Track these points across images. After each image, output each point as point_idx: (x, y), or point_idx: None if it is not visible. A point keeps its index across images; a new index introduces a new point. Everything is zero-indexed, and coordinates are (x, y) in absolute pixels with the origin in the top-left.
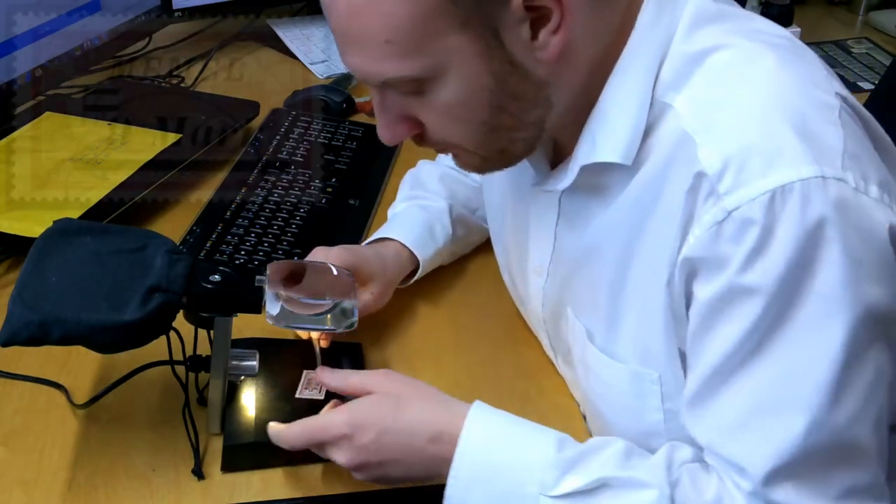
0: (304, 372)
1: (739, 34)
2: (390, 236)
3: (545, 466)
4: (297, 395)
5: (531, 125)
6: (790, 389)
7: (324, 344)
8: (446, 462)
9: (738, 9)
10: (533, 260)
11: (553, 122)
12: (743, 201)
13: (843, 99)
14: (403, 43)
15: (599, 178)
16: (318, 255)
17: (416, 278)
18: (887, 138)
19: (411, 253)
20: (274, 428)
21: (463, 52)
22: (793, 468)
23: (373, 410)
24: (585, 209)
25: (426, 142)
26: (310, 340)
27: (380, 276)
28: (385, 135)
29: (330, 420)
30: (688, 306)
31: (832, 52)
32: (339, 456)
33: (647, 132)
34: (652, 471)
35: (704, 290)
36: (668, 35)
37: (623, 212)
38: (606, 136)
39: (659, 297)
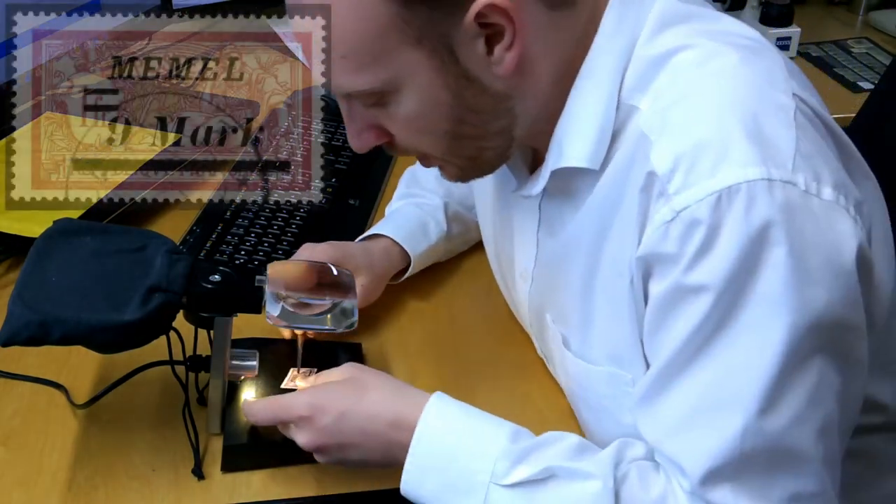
0: (292, 369)
1: (704, 35)
2: (381, 233)
3: (498, 456)
4: (281, 386)
5: (497, 135)
6: (729, 390)
7: (310, 334)
8: (404, 448)
9: (706, 9)
10: (519, 265)
11: (523, 131)
12: (690, 202)
13: (802, 100)
14: (358, 58)
15: (570, 183)
16: (305, 251)
17: (408, 275)
18: (851, 145)
19: (402, 249)
20: (246, 401)
21: (419, 66)
22: (730, 470)
23: (335, 394)
24: (561, 214)
25: (396, 150)
26: (300, 339)
27: (366, 271)
28: (353, 143)
29: (293, 400)
30: (647, 306)
31: (832, 52)
32: (300, 437)
33: (616, 135)
34: (599, 464)
35: (656, 289)
36: (633, 38)
37: (591, 215)
38: (572, 141)
39: (624, 298)
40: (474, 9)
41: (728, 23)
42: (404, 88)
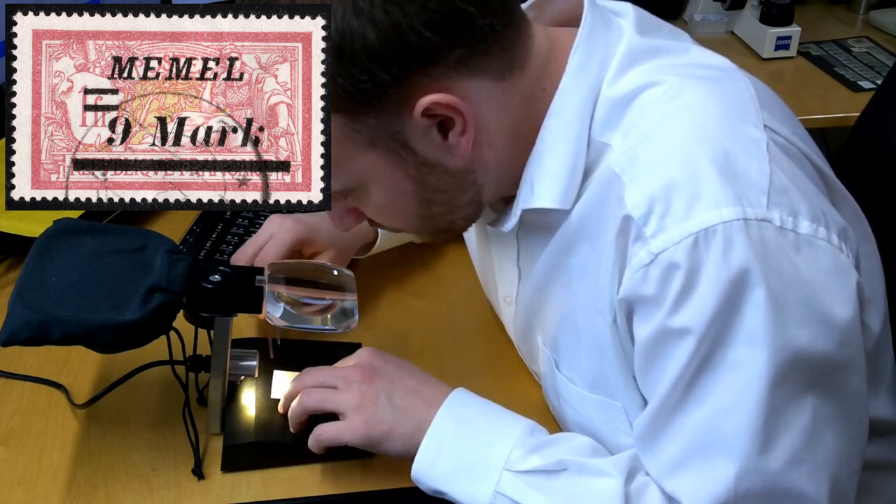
0: (275, 373)
1: (671, 70)
2: None
3: (513, 446)
4: (271, 396)
5: (465, 206)
6: (720, 431)
7: (298, 334)
8: (426, 425)
9: (673, 42)
10: (501, 290)
11: (491, 195)
12: (667, 245)
13: (774, 131)
14: None
15: (544, 218)
16: (273, 222)
17: (377, 249)
18: (828, 171)
19: None
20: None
21: (377, 165)
22: None
23: (386, 356)
24: (539, 245)
25: (376, 226)
26: (270, 342)
27: (331, 246)
28: (336, 225)
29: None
30: (633, 344)
31: (832, 52)
32: (353, 375)
33: (588, 172)
34: (613, 464)
35: (641, 332)
36: (599, 77)
37: (564, 251)
38: (542, 181)
39: (607, 334)
40: (419, 107)
41: (696, 54)
42: (369, 185)
